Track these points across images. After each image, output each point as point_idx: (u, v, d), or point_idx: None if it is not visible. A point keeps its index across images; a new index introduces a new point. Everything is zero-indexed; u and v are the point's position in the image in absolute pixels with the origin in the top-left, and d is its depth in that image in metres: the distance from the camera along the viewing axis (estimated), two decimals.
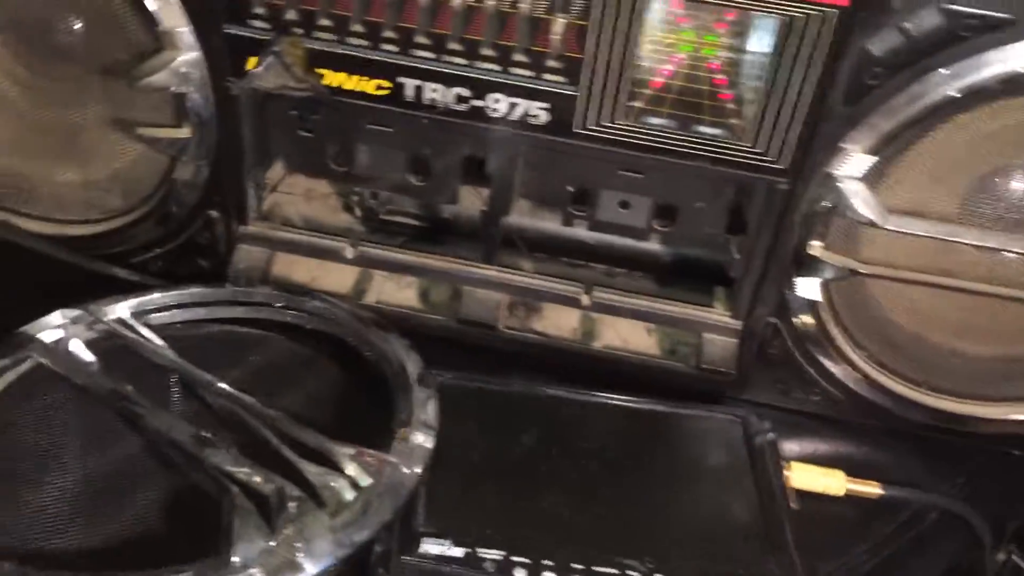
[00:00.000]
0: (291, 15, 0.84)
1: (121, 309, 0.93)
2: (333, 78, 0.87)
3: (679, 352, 0.99)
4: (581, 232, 1.00)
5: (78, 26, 0.92)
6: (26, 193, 1.03)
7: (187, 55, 0.86)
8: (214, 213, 0.98)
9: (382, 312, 0.98)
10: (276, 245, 1.00)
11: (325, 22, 0.84)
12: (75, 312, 0.90)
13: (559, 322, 1.01)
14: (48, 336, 0.87)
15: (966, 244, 0.84)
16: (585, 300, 0.98)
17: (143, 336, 0.90)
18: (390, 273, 1.01)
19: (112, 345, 0.90)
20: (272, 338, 0.96)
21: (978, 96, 0.77)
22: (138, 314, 0.93)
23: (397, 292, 1.02)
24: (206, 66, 0.88)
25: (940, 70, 0.76)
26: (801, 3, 0.75)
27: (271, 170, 1.01)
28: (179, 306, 0.96)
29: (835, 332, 0.94)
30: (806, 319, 0.93)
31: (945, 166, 0.83)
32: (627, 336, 1.01)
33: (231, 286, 0.98)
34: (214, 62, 0.87)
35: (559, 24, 0.80)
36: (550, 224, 1.01)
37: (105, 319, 0.91)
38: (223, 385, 0.84)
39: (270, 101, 0.92)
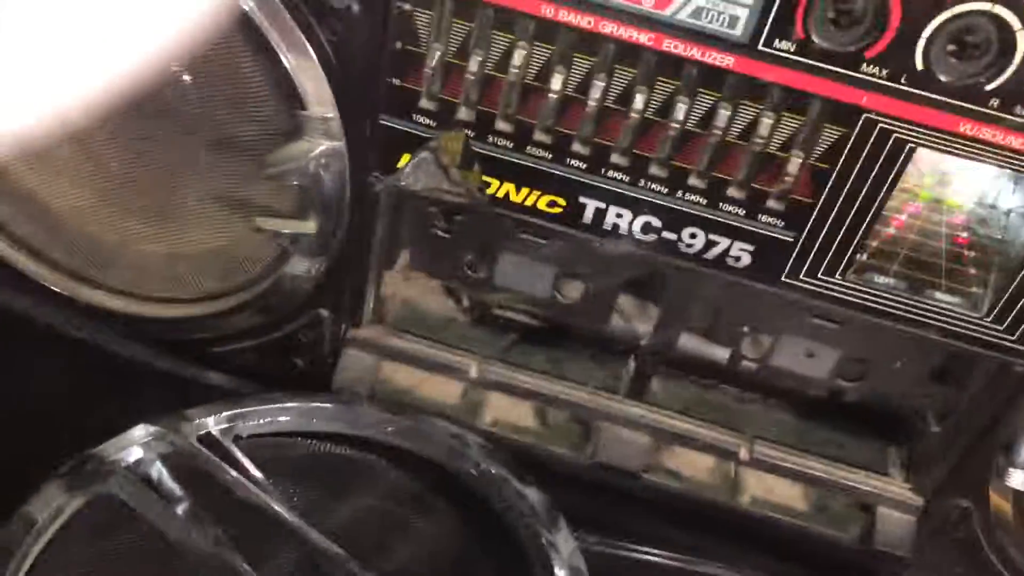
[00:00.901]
0: (465, 114, 0.70)
1: (210, 422, 0.79)
2: (500, 188, 0.73)
3: (843, 524, 0.86)
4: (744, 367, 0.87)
5: (188, 80, 0.78)
6: (102, 258, 0.89)
7: (330, 144, 0.72)
8: (324, 312, 0.84)
9: (498, 437, 0.85)
10: (389, 353, 0.86)
11: (505, 127, 0.70)
12: (156, 428, 0.76)
13: (699, 465, 0.89)
14: (127, 457, 0.73)
15: None
16: (743, 454, 0.85)
17: (234, 460, 0.76)
18: (514, 396, 0.87)
19: (197, 470, 0.76)
20: (380, 466, 0.82)
21: None
22: (228, 430, 0.79)
23: (516, 415, 0.89)
24: (348, 158, 0.73)
25: None
26: None
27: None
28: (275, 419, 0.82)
29: None
30: (1005, 507, 0.81)
31: None
32: (779, 493, 0.88)
33: (332, 396, 0.85)
34: (359, 155, 0.73)
35: (795, 164, 0.66)
36: (711, 352, 0.87)
37: (191, 437, 0.77)
38: (318, 538, 0.71)
39: (411, 197, 0.78)
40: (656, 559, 0.84)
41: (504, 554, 0.77)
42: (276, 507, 0.74)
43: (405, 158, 0.73)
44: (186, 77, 0.77)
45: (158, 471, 0.75)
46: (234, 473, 0.76)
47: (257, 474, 0.76)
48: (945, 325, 0.72)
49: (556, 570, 0.73)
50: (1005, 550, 0.83)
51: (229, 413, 0.80)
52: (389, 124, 0.71)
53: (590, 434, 0.88)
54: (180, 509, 0.72)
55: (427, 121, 0.71)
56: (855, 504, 0.86)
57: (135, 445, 0.75)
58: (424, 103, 0.70)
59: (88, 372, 0.86)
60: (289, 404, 0.83)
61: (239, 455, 0.78)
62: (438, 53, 0.67)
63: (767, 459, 0.85)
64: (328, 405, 0.84)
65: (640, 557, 0.84)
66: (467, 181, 0.73)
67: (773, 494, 0.89)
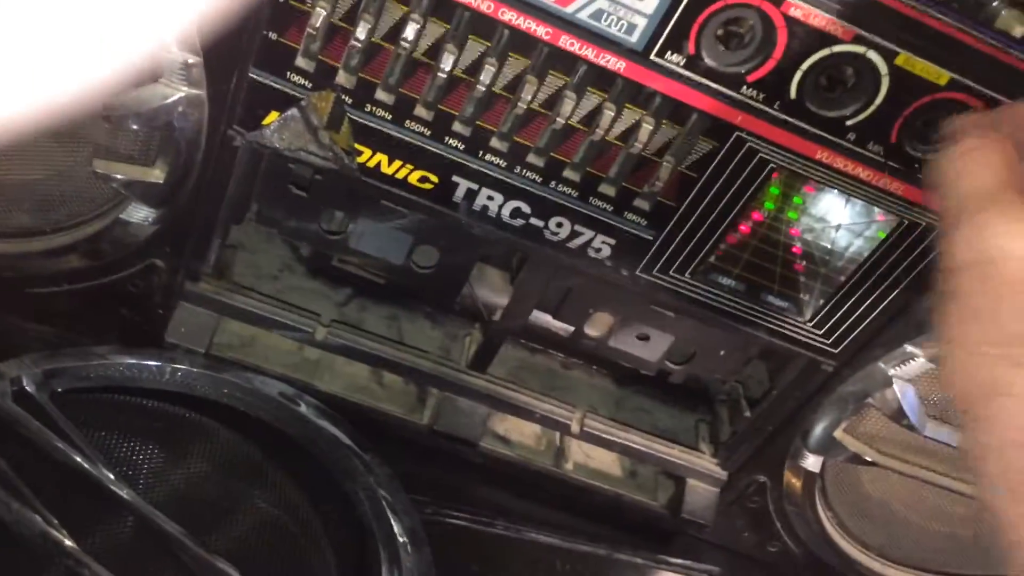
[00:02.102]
0: (344, 80, 0.66)
1: (24, 377, 0.72)
2: (372, 158, 0.70)
3: (652, 489, 0.93)
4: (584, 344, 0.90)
5: None
6: None
7: (190, 91, 0.66)
8: (159, 262, 0.79)
9: (336, 400, 0.85)
10: (227, 310, 0.82)
11: (385, 98, 0.67)
12: None
13: (526, 430, 0.93)
14: None
15: None
16: (575, 427, 0.89)
17: (51, 419, 0.71)
18: (352, 359, 0.86)
19: (11, 432, 0.70)
20: (212, 428, 0.79)
21: None
22: (44, 384, 0.73)
23: (351, 373, 0.88)
24: (208, 108, 0.68)
25: None
26: (927, 210, 0.70)
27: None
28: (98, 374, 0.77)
29: (816, 496, 0.92)
30: (796, 484, 0.90)
31: None
32: (597, 458, 0.94)
33: (163, 352, 0.80)
34: (222, 107, 0.68)
35: (666, 169, 0.69)
36: (555, 327, 0.89)
37: (3, 395, 0.70)
38: (149, 510, 0.68)
39: (273, 155, 0.73)
40: (484, 527, 0.87)
41: (343, 521, 0.77)
42: (100, 472, 0.69)
43: (272, 115, 0.68)
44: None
45: None
46: (52, 435, 0.70)
47: (77, 436, 0.71)
48: (773, 326, 0.78)
49: (397, 536, 0.74)
50: (788, 518, 0.93)
51: (46, 367, 0.74)
52: (259, 79, 0.66)
53: (427, 398, 0.88)
54: None
55: (302, 81, 0.67)
56: (665, 473, 0.94)
57: None
58: (301, 62, 0.66)
59: None
60: (114, 359, 0.78)
61: (57, 413, 0.72)
62: (324, 13, 0.63)
63: (595, 432, 0.89)
64: (157, 362, 0.79)
65: (469, 525, 0.87)
66: (336, 145, 0.70)
67: (592, 460, 0.95)
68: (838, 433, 0.84)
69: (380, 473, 0.78)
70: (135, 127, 0.68)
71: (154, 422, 0.77)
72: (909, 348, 0.78)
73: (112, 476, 0.70)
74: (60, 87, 0.29)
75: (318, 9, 0.62)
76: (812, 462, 0.87)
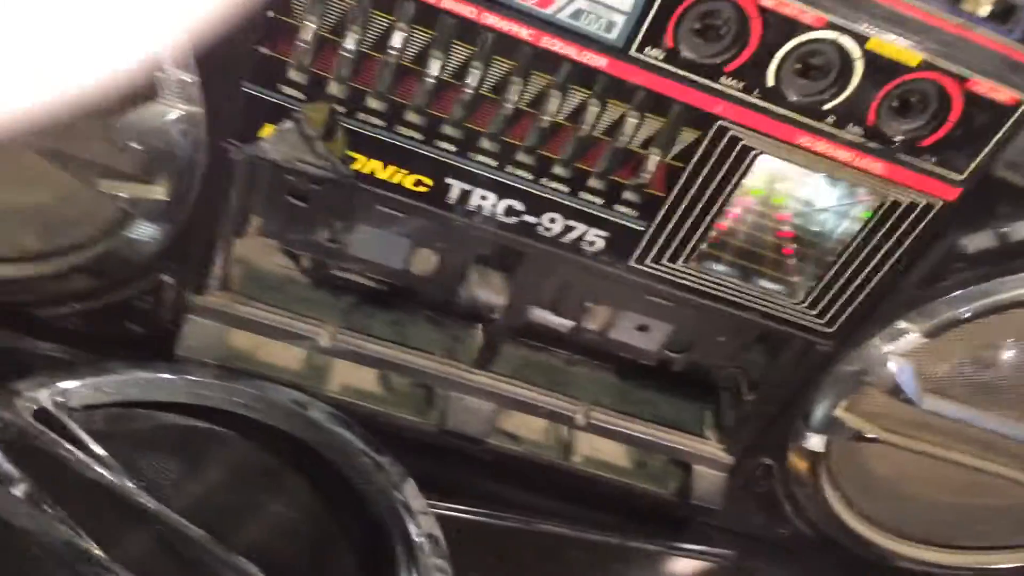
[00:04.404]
0: (335, 90, 0.69)
1: (43, 396, 0.75)
2: (366, 164, 0.73)
3: (661, 478, 0.94)
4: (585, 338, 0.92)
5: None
6: None
7: (187, 108, 0.69)
8: (167, 278, 0.81)
9: (346, 405, 0.87)
10: (233, 321, 0.84)
11: (376, 106, 0.69)
12: None
13: (533, 426, 0.94)
14: None
15: (984, 428, 0.85)
16: (580, 419, 0.91)
17: (73, 435, 0.73)
18: (360, 363, 0.88)
19: (33, 448, 0.72)
20: (228, 437, 0.81)
21: None
22: (63, 403, 0.75)
23: (360, 379, 0.90)
24: (207, 125, 0.70)
25: (1021, 274, 0.75)
26: (908, 187, 0.71)
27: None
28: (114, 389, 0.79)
29: (823, 477, 0.93)
30: (801, 465, 0.92)
31: (980, 351, 0.83)
32: (605, 451, 0.95)
33: (175, 365, 0.82)
34: (218, 122, 0.70)
35: (653, 161, 0.70)
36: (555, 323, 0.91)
37: (24, 413, 0.72)
38: (172, 517, 0.70)
39: (270, 166, 0.75)
40: (497, 520, 0.89)
41: (360, 523, 0.79)
42: (123, 484, 0.72)
43: (268, 128, 0.71)
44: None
45: None
46: (74, 449, 0.72)
47: (99, 450, 0.73)
48: (767, 309, 0.80)
49: (413, 536, 0.76)
50: (797, 500, 0.95)
51: (63, 385, 0.76)
52: (253, 92, 0.69)
53: (434, 399, 0.90)
54: (19, 491, 0.68)
55: (294, 93, 0.69)
56: (673, 462, 0.95)
57: None
58: (292, 75, 0.68)
59: None
60: (129, 373, 0.80)
61: (77, 429, 0.74)
62: (313, 27, 0.65)
63: (600, 423, 0.91)
64: (171, 375, 0.81)
65: (483, 520, 0.88)
66: (331, 154, 0.72)
67: (600, 452, 0.96)
68: (839, 412, 0.85)
69: (393, 474, 0.80)
70: (136, 146, 0.70)
71: (170, 434, 0.80)
72: (902, 324, 0.79)
73: (135, 487, 0.72)
74: (47, 89, 0.30)
75: (307, 23, 0.65)
76: (815, 442, 0.88)
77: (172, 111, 0.69)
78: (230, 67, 0.67)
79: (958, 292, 0.77)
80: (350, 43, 0.65)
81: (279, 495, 0.78)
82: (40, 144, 0.75)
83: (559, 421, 0.91)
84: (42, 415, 0.74)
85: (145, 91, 0.68)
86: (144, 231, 0.77)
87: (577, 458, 0.94)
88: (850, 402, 0.85)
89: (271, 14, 0.65)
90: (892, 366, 0.81)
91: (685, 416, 0.96)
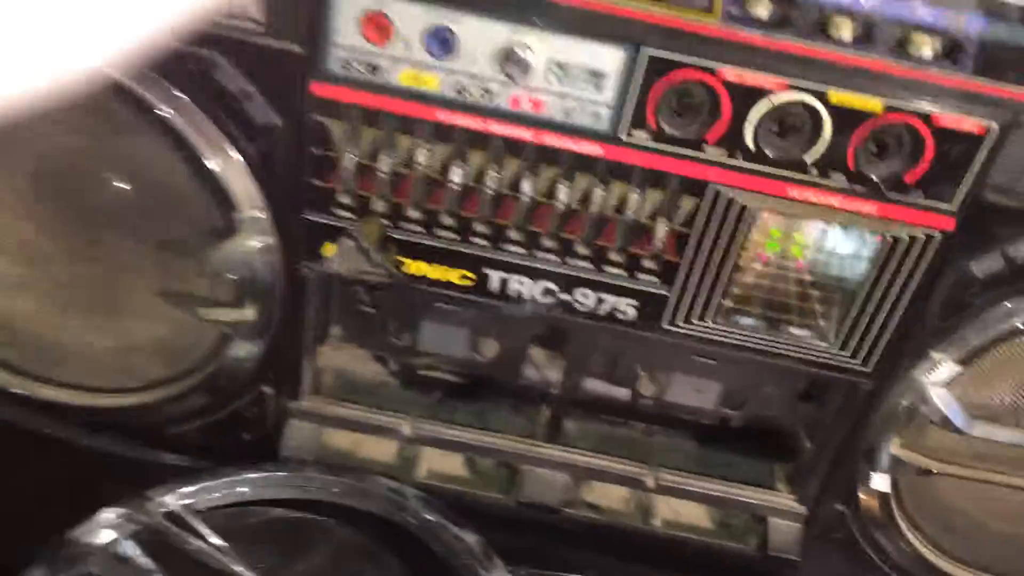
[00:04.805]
0: (379, 206, 0.81)
1: (171, 500, 0.87)
2: (414, 267, 0.84)
3: (743, 536, 0.98)
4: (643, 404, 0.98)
5: (126, 188, 0.87)
6: (53, 356, 0.96)
7: (262, 239, 0.82)
8: (267, 388, 0.94)
9: (435, 489, 0.95)
10: (328, 421, 0.96)
11: (414, 214, 0.81)
12: (123, 510, 0.83)
13: (613, 495, 1.00)
14: (100, 538, 0.81)
15: None
16: (650, 482, 0.96)
17: (198, 532, 0.85)
18: (444, 449, 0.97)
19: (165, 544, 0.84)
20: (330, 525, 0.91)
21: None
22: (189, 505, 0.88)
23: (448, 466, 0.99)
24: (279, 250, 0.84)
25: None
26: (905, 223, 0.76)
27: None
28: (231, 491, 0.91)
29: (899, 517, 0.94)
30: (873, 507, 0.93)
31: (1019, 373, 0.84)
32: (685, 514, 0.99)
33: (281, 464, 0.93)
34: (289, 247, 0.83)
35: (661, 230, 0.79)
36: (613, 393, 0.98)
37: (156, 515, 0.85)
38: None
39: (337, 279, 0.88)
40: None
41: None
42: (242, 572, 0.82)
43: (329, 247, 0.83)
44: (125, 185, 0.86)
45: (131, 548, 0.82)
46: (199, 544, 0.84)
47: (220, 543, 0.84)
48: (802, 355, 0.85)
49: None
50: (878, 543, 0.96)
51: (187, 490, 0.89)
52: (313, 219, 0.82)
53: (515, 477, 0.98)
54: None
55: (346, 214, 0.82)
56: (751, 517, 0.98)
57: (107, 527, 0.83)
58: (342, 198, 0.81)
59: (54, 462, 0.93)
60: (242, 476, 0.92)
61: (202, 527, 0.86)
62: (351, 156, 0.78)
63: (671, 484, 0.96)
64: (277, 473, 0.93)
65: None
66: (385, 262, 0.84)
67: (681, 516, 1.01)
68: (895, 449, 0.88)
69: (479, 551, 0.87)
70: (226, 277, 0.84)
71: (280, 526, 0.90)
72: (935, 355, 0.82)
73: (252, 574, 0.82)
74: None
75: (346, 155, 0.78)
76: (880, 482, 0.90)
77: (251, 244, 0.82)
78: (291, 200, 0.81)
79: (980, 317, 0.80)
80: (384, 165, 0.78)
81: (375, 571, 0.87)
82: (154, 286, 0.90)
83: (630, 485, 0.96)
84: (171, 516, 0.86)
85: (227, 229, 0.82)
86: (243, 350, 0.90)
87: (657, 521, 0.99)
88: (905, 438, 0.88)
89: (317, 151, 0.78)
90: (934, 397, 0.83)
91: (757, 471, 0.99)
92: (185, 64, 0.74)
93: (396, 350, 0.95)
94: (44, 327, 0.95)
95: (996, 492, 0.92)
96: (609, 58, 0.71)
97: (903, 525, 0.94)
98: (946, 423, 0.84)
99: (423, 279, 0.85)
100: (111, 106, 0.78)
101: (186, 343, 0.94)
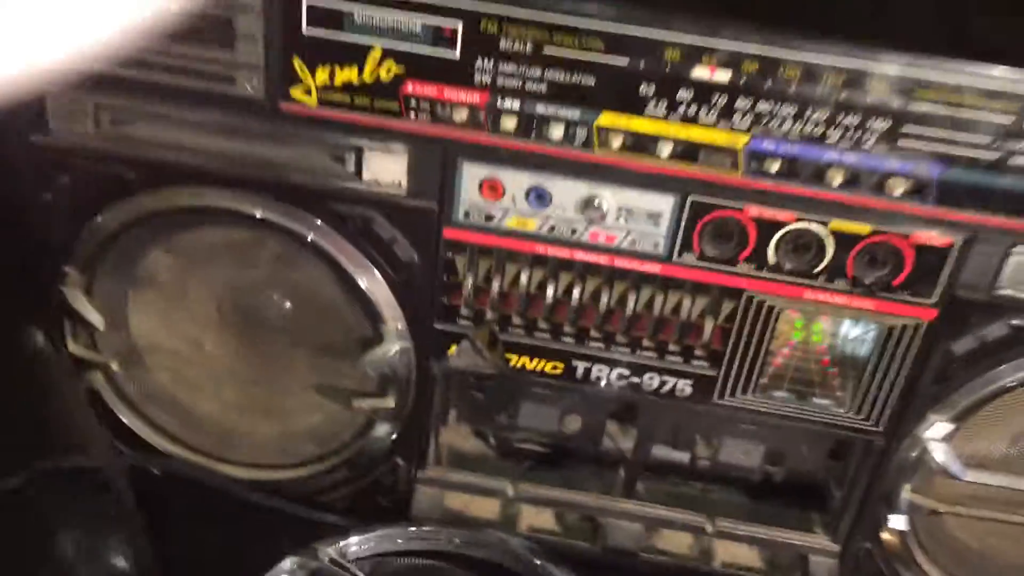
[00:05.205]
0: (491, 316, 1.06)
1: (333, 551, 1.11)
2: (517, 360, 1.09)
3: (789, 572, 1.19)
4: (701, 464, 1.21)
5: (287, 306, 1.13)
6: (228, 442, 1.22)
7: (402, 344, 1.08)
8: (400, 461, 1.18)
9: (535, 539, 1.18)
10: (448, 486, 1.20)
11: (518, 321, 1.06)
12: (300, 558, 1.08)
13: (679, 541, 1.22)
14: None
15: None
16: (709, 529, 1.18)
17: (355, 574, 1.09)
18: (540, 506, 1.20)
19: None
20: (456, 572, 1.14)
21: None
22: (347, 553, 1.12)
23: (542, 520, 1.22)
24: (414, 352, 1.09)
25: (1006, 365, 1.00)
26: (897, 315, 0.99)
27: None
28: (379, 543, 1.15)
29: (918, 553, 1.15)
30: (895, 544, 1.14)
31: (1005, 427, 1.06)
32: (740, 556, 1.21)
33: (412, 522, 1.17)
34: (422, 349, 1.09)
35: (709, 327, 1.03)
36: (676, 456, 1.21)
37: (324, 562, 1.09)
38: None
39: (457, 373, 1.13)
40: None
41: None
42: None
43: (453, 348, 1.09)
44: (291, 304, 1.13)
45: None
46: None
47: None
48: (826, 420, 1.07)
49: None
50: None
51: (343, 543, 1.13)
52: (441, 327, 1.07)
53: (598, 528, 1.20)
54: None
55: (466, 322, 1.07)
56: (794, 556, 1.19)
57: (287, 572, 1.07)
58: (464, 311, 1.06)
59: (242, 518, 1.18)
60: (384, 531, 1.15)
61: (358, 572, 1.10)
62: (471, 281, 1.04)
63: (726, 531, 1.18)
64: (410, 529, 1.16)
65: None
66: (495, 358, 1.09)
67: (736, 557, 1.22)
68: (908, 494, 1.09)
69: None
70: (373, 374, 1.10)
71: (416, 572, 1.14)
72: (932, 416, 1.04)
73: None
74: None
75: (467, 279, 1.03)
76: (898, 522, 1.11)
77: (394, 347, 1.08)
78: (425, 314, 1.07)
79: (965, 384, 1.02)
80: (495, 286, 1.03)
81: None
82: (312, 382, 1.16)
83: (693, 532, 1.18)
84: (335, 563, 1.10)
85: (376, 337, 1.08)
86: (383, 430, 1.15)
87: (717, 563, 1.20)
88: (915, 484, 1.09)
89: (446, 277, 1.04)
90: (935, 450, 1.05)
91: (797, 517, 1.20)
92: (350, 217, 1.01)
93: (500, 427, 1.19)
94: (222, 419, 1.21)
95: (998, 528, 1.12)
96: (663, 203, 0.97)
97: (922, 560, 1.14)
98: (945, 471, 1.05)
99: (523, 370, 1.09)
100: (288, 248, 1.05)
101: (336, 427, 1.19)
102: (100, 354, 1.13)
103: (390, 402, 1.12)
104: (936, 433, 1.05)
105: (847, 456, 1.13)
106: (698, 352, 1.06)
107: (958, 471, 1.05)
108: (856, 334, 1.03)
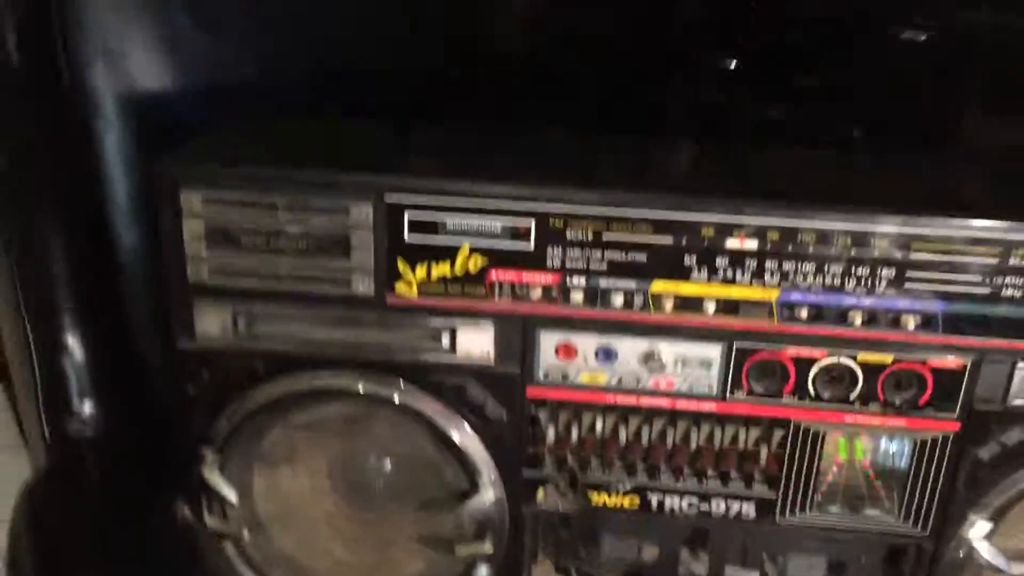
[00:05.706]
0: (571, 461, 1.22)
1: None
2: (598, 499, 1.23)
3: None
4: None
5: (392, 468, 1.29)
6: None
7: (496, 493, 1.23)
8: None
9: None
10: None
11: (595, 462, 1.22)
12: None
13: None
14: None
15: None
16: None
17: None
18: None
19: None
20: None
21: None
22: None
23: None
24: (507, 499, 1.24)
25: None
26: (926, 429, 1.14)
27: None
28: None
29: None
30: None
31: None
32: None
33: None
34: (513, 495, 1.24)
35: (763, 454, 1.18)
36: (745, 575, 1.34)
37: None
38: None
39: (543, 515, 1.27)
40: None
41: None
42: None
43: (540, 492, 1.24)
44: (392, 466, 1.29)
45: None
46: None
47: None
48: (878, 528, 1.20)
49: None
50: None
51: None
52: (528, 475, 1.23)
53: None
54: None
55: (550, 469, 1.22)
56: None
57: None
58: (547, 459, 1.22)
59: None
60: None
61: None
62: (552, 431, 1.20)
63: None
64: None
65: None
66: (577, 498, 1.24)
67: None
68: None
69: None
70: (471, 522, 1.24)
71: None
72: (971, 516, 1.17)
73: None
74: None
75: (549, 431, 1.20)
76: None
77: (488, 497, 1.23)
78: (514, 463, 1.22)
79: (996, 486, 1.15)
80: (574, 434, 1.19)
81: None
82: (416, 534, 1.30)
83: None
84: None
85: (472, 488, 1.23)
86: (483, 572, 1.29)
87: None
88: None
89: (530, 431, 1.20)
90: (979, 548, 1.17)
91: None
92: (447, 385, 1.18)
93: (584, 561, 1.33)
94: (336, 572, 1.35)
95: None
96: (713, 351, 1.14)
97: None
98: (992, 567, 1.17)
99: (604, 507, 1.24)
100: (392, 416, 1.22)
101: (438, 573, 1.32)
102: (231, 525, 1.29)
103: (489, 547, 1.26)
104: (978, 532, 1.17)
105: (901, 561, 1.25)
106: (757, 477, 1.20)
107: (1004, 565, 1.17)
108: (894, 449, 1.18)
